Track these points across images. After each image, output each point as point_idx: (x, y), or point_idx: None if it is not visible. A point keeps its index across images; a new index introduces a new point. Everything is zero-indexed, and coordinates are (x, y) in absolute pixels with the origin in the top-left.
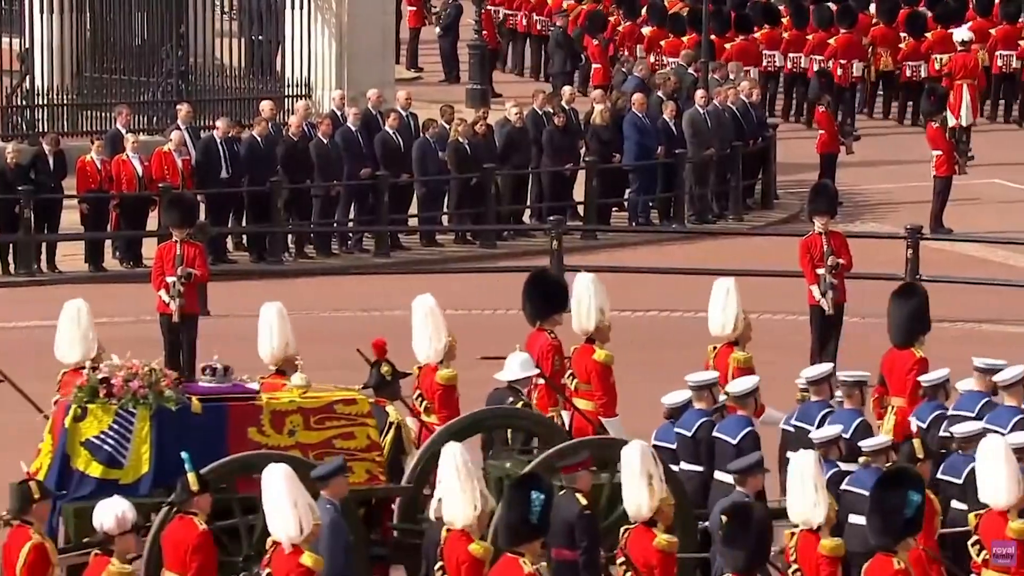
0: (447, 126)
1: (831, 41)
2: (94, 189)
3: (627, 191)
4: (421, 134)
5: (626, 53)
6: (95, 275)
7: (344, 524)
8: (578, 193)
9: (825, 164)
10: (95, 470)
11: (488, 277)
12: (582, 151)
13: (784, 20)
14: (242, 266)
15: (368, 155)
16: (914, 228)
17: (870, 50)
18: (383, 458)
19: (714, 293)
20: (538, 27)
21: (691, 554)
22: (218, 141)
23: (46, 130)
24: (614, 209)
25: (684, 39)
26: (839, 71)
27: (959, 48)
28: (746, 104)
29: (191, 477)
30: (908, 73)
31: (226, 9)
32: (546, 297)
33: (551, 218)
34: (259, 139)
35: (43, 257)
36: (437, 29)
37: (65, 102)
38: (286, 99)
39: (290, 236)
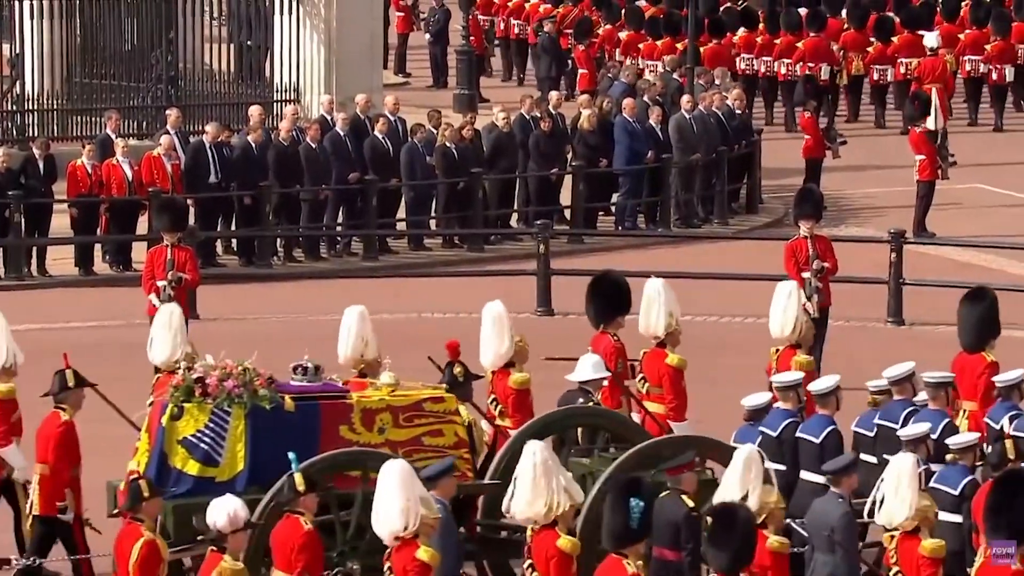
0: (435, 131)
1: (799, 45)
2: (84, 193)
3: (615, 195)
4: (409, 139)
5: (611, 58)
6: (85, 279)
7: (453, 523)
8: (565, 197)
9: (810, 169)
10: (192, 468)
11: (475, 281)
12: (568, 156)
13: (760, 25)
14: (231, 270)
15: (356, 160)
16: (898, 232)
17: (841, 55)
18: (471, 455)
19: (776, 296)
20: (516, 31)
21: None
22: (207, 146)
23: (36, 135)
24: (600, 213)
25: (659, 43)
26: (807, 74)
27: (928, 53)
28: (731, 109)
29: (297, 477)
30: (875, 77)
31: (215, 15)
32: (609, 300)
33: (538, 222)
34: (251, 144)
35: (33, 261)
36: (427, 35)
37: (55, 107)
38: (275, 104)
39: (279, 240)
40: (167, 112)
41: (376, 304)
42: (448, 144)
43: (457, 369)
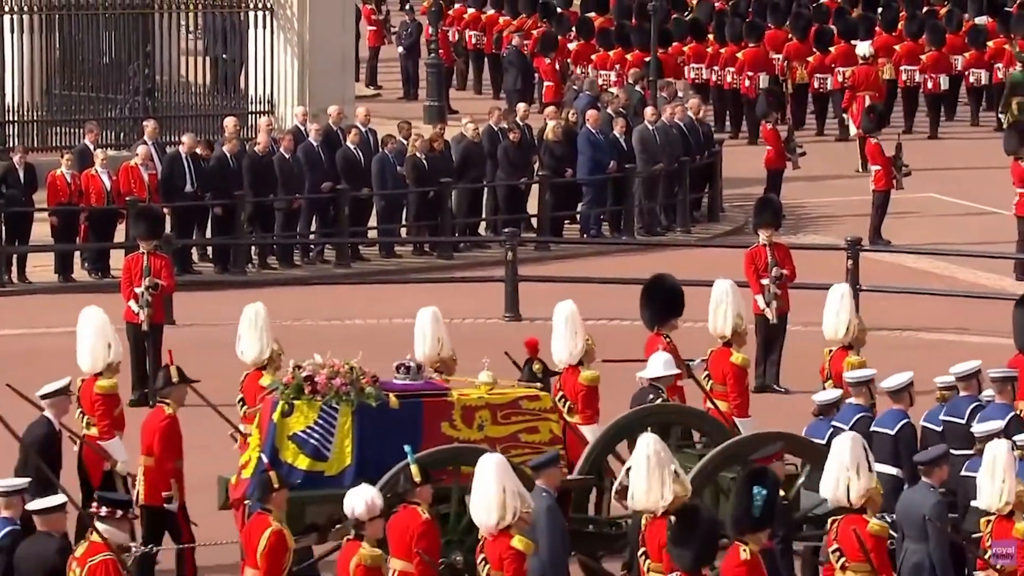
0: (405, 142)
1: (739, 55)
2: (64, 202)
3: (579, 204)
4: (380, 149)
5: (616, 83)
6: (65, 285)
7: (559, 512)
8: (532, 206)
9: (771, 179)
10: (302, 463)
11: (445, 287)
12: (535, 166)
13: (710, 35)
14: (207, 277)
15: (329, 169)
16: (854, 240)
17: (785, 64)
18: (565, 451)
19: (829, 298)
20: (473, 41)
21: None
22: (183, 156)
23: (17, 145)
24: (566, 222)
25: (611, 53)
26: (746, 83)
27: (861, 61)
28: (693, 120)
29: (414, 469)
30: (816, 85)
31: (191, 28)
32: (663, 302)
33: (506, 230)
34: (226, 154)
35: (14, 268)
36: (399, 48)
37: (35, 118)
38: (250, 115)
39: (254, 248)
40: (144, 123)
41: (348, 310)
42: (418, 154)
43: (536, 366)
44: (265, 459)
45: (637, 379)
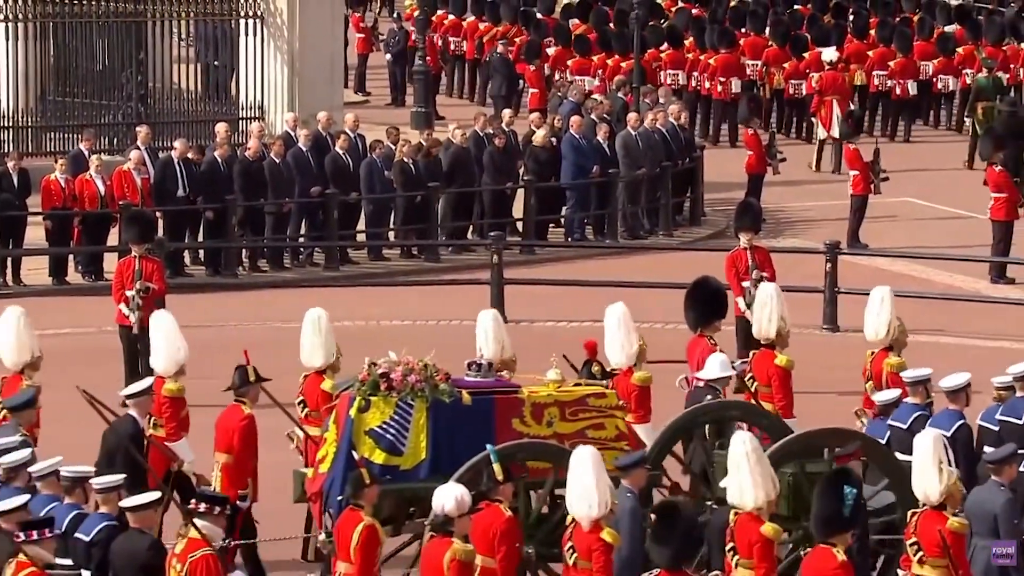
0: (393, 147)
1: (712, 61)
2: (58, 207)
3: (564, 208)
4: (368, 154)
5: (598, 89)
6: (59, 288)
7: (640, 511)
8: (517, 210)
9: (752, 184)
10: (379, 457)
11: (432, 290)
12: (520, 171)
13: (688, 42)
14: (198, 279)
15: (318, 174)
16: (833, 244)
17: (764, 70)
18: (630, 448)
19: (870, 300)
20: (452, 47)
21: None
22: (175, 161)
23: (11, 150)
24: (551, 225)
25: (594, 59)
26: (719, 88)
27: (827, 67)
28: (675, 126)
29: (496, 467)
30: (791, 91)
31: (183, 36)
32: (707, 304)
33: (492, 234)
34: (217, 159)
35: (8, 271)
36: (387, 56)
37: (30, 124)
38: (240, 121)
39: (244, 251)
40: (138, 129)
41: (337, 312)
42: (406, 159)
43: (595, 368)
44: (356, 456)
45: (677, 383)
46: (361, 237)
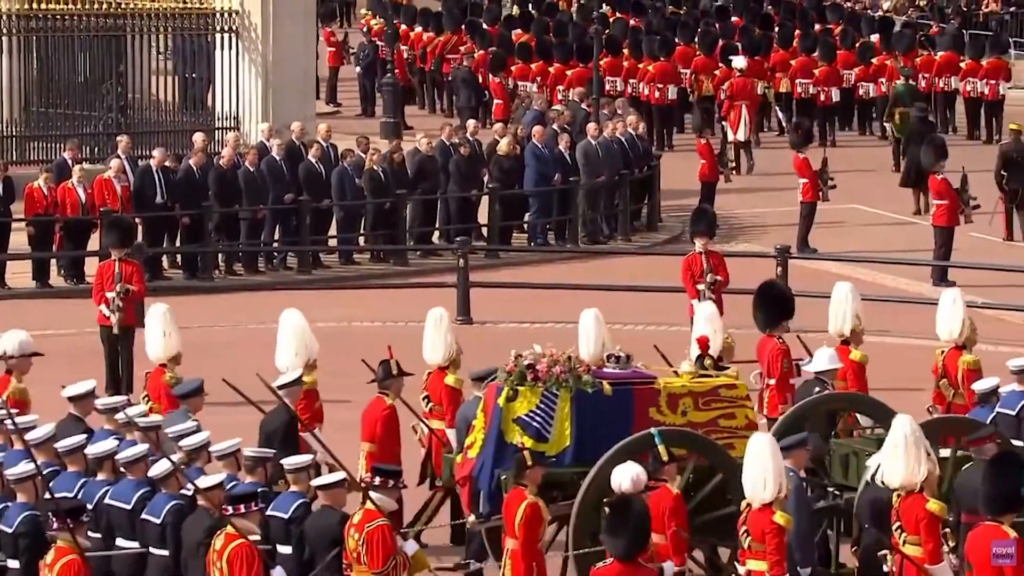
0: (363, 156)
1: (650, 68)
2: (41, 213)
3: (527, 215)
4: (340, 163)
5: (538, 93)
6: (42, 291)
7: (804, 490)
8: (482, 216)
9: (705, 191)
10: (525, 443)
11: (401, 292)
12: (485, 178)
13: (625, 51)
14: (176, 282)
15: (292, 182)
16: (783, 248)
17: (693, 77)
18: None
19: (941, 302)
20: (419, 61)
21: None
22: (154, 169)
23: None
24: (515, 231)
25: (532, 67)
26: (656, 94)
27: (737, 74)
28: (633, 136)
29: (661, 449)
30: (722, 96)
31: (161, 50)
32: (775, 306)
33: (458, 239)
34: (194, 167)
35: None
36: (357, 68)
37: (14, 134)
38: (216, 131)
39: (220, 255)
40: (118, 139)
41: (310, 314)
42: (375, 167)
43: (707, 362)
44: (520, 441)
45: (751, 378)
46: (333, 242)
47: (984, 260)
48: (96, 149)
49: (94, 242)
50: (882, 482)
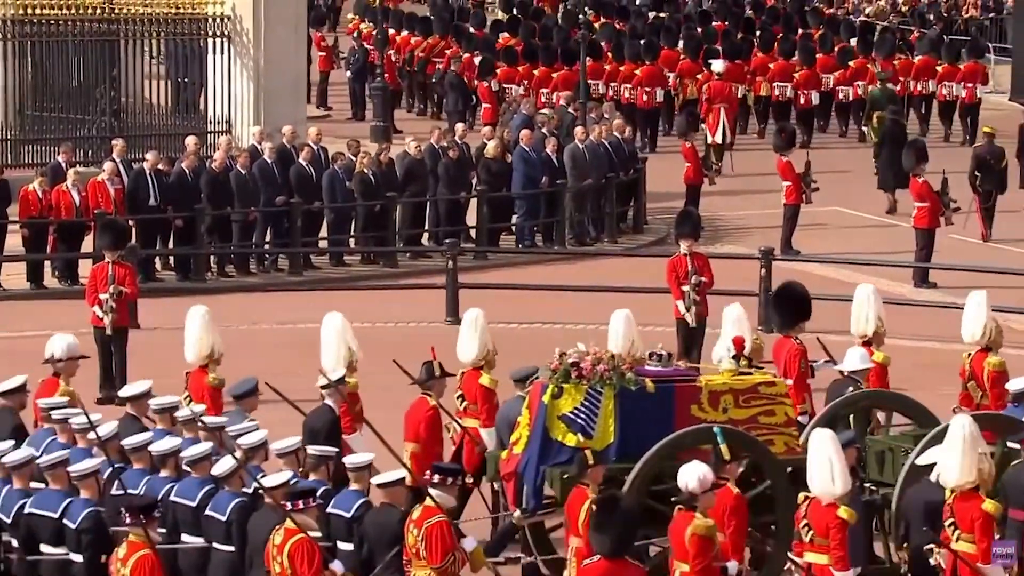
0: (353, 159)
1: (637, 72)
2: (35, 216)
3: (514, 217)
4: (330, 166)
5: (523, 96)
6: (36, 292)
7: (857, 489)
8: (471, 218)
9: (690, 193)
10: (570, 440)
11: (390, 294)
12: (473, 181)
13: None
14: (169, 284)
15: (283, 184)
16: (767, 250)
17: (678, 81)
18: (798, 432)
19: (967, 305)
20: (405, 65)
21: None
22: (147, 172)
23: None
24: (503, 233)
25: (519, 69)
26: (644, 97)
27: (715, 77)
28: (619, 140)
29: (723, 448)
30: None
31: (154, 54)
32: (792, 307)
33: (447, 241)
34: (187, 170)
35: None
36: (348, 72)
37: (9, 137)
38: (209, 135)
39: (212, 257)
40: (114, 143)
41: (301, 315)
42: (365, 170)
43: (743, 362)
44: (582, 439)
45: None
46: (323, 244)
47: (961, 261)
48: (90, 152)
49: (88, 244)
50: (937, 480)
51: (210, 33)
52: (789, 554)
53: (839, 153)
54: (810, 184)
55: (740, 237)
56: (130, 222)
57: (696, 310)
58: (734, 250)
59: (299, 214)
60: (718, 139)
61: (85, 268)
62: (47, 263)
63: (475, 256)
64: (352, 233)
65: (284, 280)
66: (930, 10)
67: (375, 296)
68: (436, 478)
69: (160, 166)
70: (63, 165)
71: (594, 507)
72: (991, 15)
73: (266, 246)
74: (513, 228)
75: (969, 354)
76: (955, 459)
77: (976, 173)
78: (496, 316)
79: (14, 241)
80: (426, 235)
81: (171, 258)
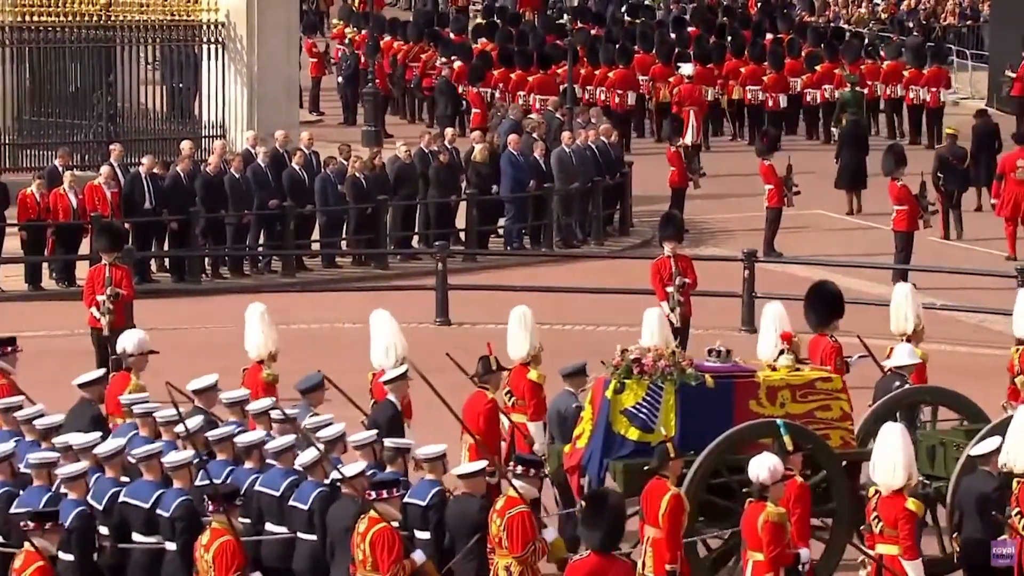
0: (345, 163)
1: (610, 75)
2: (33, 218)
3: (503, 219)
4: (323, 170)
5: (500, 99)
6: (34, 294)
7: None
8: (460, 221)
9: (675, 197)
10: (632, 434)
11: (382, 295)
12: (463, 184)
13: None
14: (164, 285)
15: (276, 188)
16: (749, 252)
17: (651, 85)
18: (853, 427)
19: (1018, 300)
20: (389, 68)
21: None
22: (143, 176)
23: None
24: (491, 235)
25: (495, 73)
26: (616, 99)
27: (686, 80)
28: (605, 144)
29: (787, 439)
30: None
31: (150, 60)
32: (827, 306)
33: (436, 243)
34: (182, 174)
35: None
36: (339, 78)
37: (7, 142)
38: (203, 139)
39: (207, 259)
40: (111, 147)
41: (294, 315)
42: (357, 174)
43: (791, 358)
44: (666, 432)
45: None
46: (316, 246)
47: (936, 263)
48: (87, 156)
49: (85, 247)
50: (1004, 467)
51: (205, 40)
52: (861, 546)
53: (806, 155)
54: (791, 187)
55: (724, 239)
56: (126, 225)
57: (680, 311)
58: (718, 252)
59: (292, 217)
60: (687, 141)
61: (82, 270)
62: (45, 265)
63: (464, 258)
64: (344, 236)
65: (277, 282)
66: (909, 18)
67: (366, 297)
68: (519, 469)
69: (156, 170)
70: (60, 169)
71: (583, 502)
72: (968, 23)
73: (259, 248)
74: (501, 231)
75: (1018, 349)
76: (1020, 448)
77: (939, 174)
78: (485, 317)
79: (12, 244)
80: (416, 238)
81: (166, 260)
